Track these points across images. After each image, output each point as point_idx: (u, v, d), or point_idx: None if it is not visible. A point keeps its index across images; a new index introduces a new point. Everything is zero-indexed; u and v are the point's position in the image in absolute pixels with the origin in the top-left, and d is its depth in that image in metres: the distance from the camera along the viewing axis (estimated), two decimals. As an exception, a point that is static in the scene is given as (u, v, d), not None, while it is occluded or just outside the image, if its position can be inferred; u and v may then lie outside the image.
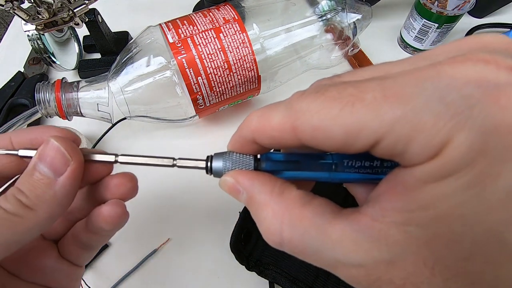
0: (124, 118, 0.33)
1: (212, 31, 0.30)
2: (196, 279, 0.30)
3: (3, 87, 0.40)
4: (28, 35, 0.36)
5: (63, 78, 0.32)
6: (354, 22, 0.35)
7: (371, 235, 0.12)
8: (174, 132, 0.38)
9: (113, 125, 0.34)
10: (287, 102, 0.13)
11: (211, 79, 0.30)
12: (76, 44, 0.44)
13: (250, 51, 0.31)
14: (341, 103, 0.11)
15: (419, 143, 0.10)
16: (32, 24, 0.33)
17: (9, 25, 0.51)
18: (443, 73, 0.10)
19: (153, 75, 0.30)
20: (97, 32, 0.40)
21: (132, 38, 0.46)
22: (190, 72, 0.29)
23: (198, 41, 0.29)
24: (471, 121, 0.09)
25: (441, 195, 0.10)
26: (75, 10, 0.34)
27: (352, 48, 0.37)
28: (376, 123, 0.10)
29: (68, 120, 0.32)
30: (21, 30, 0.36)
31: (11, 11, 0.31)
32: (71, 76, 0.43)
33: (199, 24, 0.30)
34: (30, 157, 0.17)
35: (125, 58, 0.31)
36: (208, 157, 0.17)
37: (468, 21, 0.46)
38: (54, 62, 0.38)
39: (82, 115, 0.32)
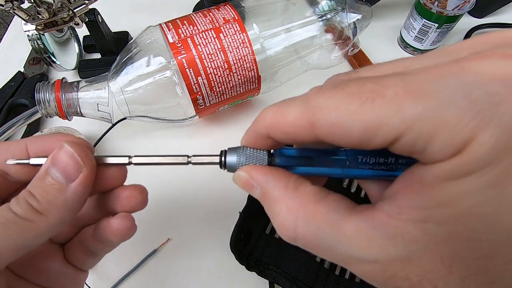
0: (124, 118, 0.33)
1: (212, 31, 0.30)
2: (196, 279, 0.30)
3: (3, 87, 0.40)
4: (28, 35, 0.36)
5: (63, 78, 0.32)
6: (354, 22, 0.35)
7: (386, 231, 0.12)
8: (174, 132, 0.38)
9: (113, 125, 0.34)
10: (304, 97, 0.13)
11: (211, 79, 0.30)
12: (76, 44, 0.43)
13: (250, 51, 0.31)
14: (361, 98, 0.11)
15: (441, 140, 0.10)
16: (32, 24, 0.33)
17: (9, 25, 0.51)
18: (467, 69, 0.10)
19: (153, 75, 0.30)
20: (97, 32, 0.40)
21: (132, 38, 0.46)
22: (190, 72, 0.29)
23: (198, 41, 0.29)
24: (496, 119, 0.09)
25: (461, 193, 0.10)
26: (75, 10, 0.34)
27: (352, 48, 0.37)
28: (397, 120, 0.10)
29: (68, 120, 0.32)
30: (21, 30, 0.36)
31: (11, 11, 0.31)
32: (71, 76, 0.43)
33: (199, 24, 0.30)
34: (41, 165, 0.17)
35: (125, 58, 0.31)
36: (222, 151, 0.17)
37: (468, 21, 0.46)
38: (54, 62, 0.38)
39: (82, 115, 0.32)
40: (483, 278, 0.11)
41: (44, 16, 0.32)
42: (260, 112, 0.15)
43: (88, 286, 0.28)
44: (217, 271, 0.30)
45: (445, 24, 0.39)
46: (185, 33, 0.30)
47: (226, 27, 0.30)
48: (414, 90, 0.10)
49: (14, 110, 0.39)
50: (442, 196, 0.10)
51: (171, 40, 0.29)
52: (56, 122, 0.38)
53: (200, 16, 0.31)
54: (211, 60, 0.30)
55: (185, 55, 0.29)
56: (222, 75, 0.31)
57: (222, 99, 0.33)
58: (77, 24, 0.35)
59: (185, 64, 0.29)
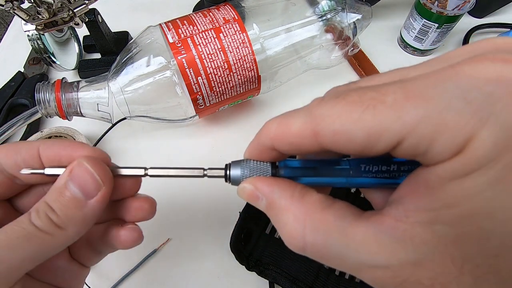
0: (124, 118, 0.33)
1: (212, 31, 0.30)
2: (196, 279, 0.30)
3: (3, 87, 0.40)
4: (28, 35, 0.36)
5: (63, 78, 0.32)
6: (354, 22, 0.35)
7: (395, 235, 0.12)
8: (174, 132, 0.38)
9: (113, 125, 0.34)
10: (306, 108, 0.13)
11: (211, 79, 0.30)
12: (76, 44, 0.44)
13: (250, 51, 0.31)
14: (362, 106, 0.11)
15: (442, 141, 0.10)
16: (32, 24, 0.33)
17: (9, 25, 0.51)
18: (462, 73, 0.10)
19: (153, 75, 0.30)
20: (97, 32, 0.40)
21: (132, 38, 0.46)
22: (190, 72, 0.29)
23: (198, 41, 0.30)
24: (493, 117, 0.10)
25: (466, 192, 0.10)
26: (75, 10, 0.34)
27: (352, 48, 0.37)
28: (399, 124, 0.11)
29: (68, 120, 0.32)
30: (21, 30, 0.36)
31: (11, 11, 0.31)
32: (71, 76, 0.43)
33: (199, 24, 0.30)
34: (57, 175, 0.17)
35: (125, 58, 0.31)
36: (226, 165, 0.17)
37: (468, 21, 0.46)
38: (54, 62, 0.38)
39: (82, 115, 0.32)
40: (496, 277, 0.11)
41: (44, 16, 0.32)
42: (264, 124, 0.15)
43: (88, 286, 0.28)
44: (217, 271, 0.30)
45: (445, 24, 0.39)
46: (185, 33, 0.30)
47: (226, 27, 0.30)
48: (413, 95, 0.11)
49: (14, 110, 0.39)
50: (447, 196, 0.11)
51: (171, 40, 0.29)
52: (56, 122, 0.38)
53: (200, 16, 0.31)
54: (211, 60, 0.30)
55: (185, 55, 0.29)
56: (222, 75, 0.31)
57: (222, 99, 0.33)
58: (77, 24, 0.35)
59: (185, 64, 0.29)
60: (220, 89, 0.31)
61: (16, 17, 0.39)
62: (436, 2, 0.40)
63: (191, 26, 0.30)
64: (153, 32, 0.31)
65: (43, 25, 0.33)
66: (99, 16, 0.39)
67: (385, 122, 0.11)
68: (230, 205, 0.32)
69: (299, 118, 0.13)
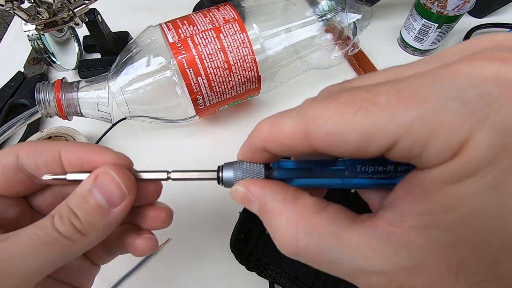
0: (124, 118, 0.33)
1: (212, 31, 0.30)
2: (196, 279, 0.30)
3: (3, 87, 0.40)
4: (28, 35, 0.36)
5: (63, 78, 0.32)
6: (354, 22, 0.35)
7: (390, 240, 0.11)
8: (174, 132, 0.38)
9: (113, 125, 0.34)
10: (298, 109, 0.13)
11: (211, 79, 0.30)
12: (76, 44, 0.43)
13: (250, 51, 0.31)
14: (355, 107, 0.11)
15: (437, 144, 0.10)
16: (32, 24, 0.33)
17: (9, 25, 0.51)
18: (457, 72, 0.10)
19: (153, 75, 0.30)
20: (97, 32, 0.40)
21: (132, 38, 0.46)
22: (190, 72, 0.29)
23: (198, 41, 0.29)
24: (490, 119, 0.09)
25: (463, 196, 0.10)
26: (75, 10, 0.34)
27: (352, 48, 0.37)
28: (392, 126, 0.10)
29: (68, 120, 0.32)
30: (21, 30, 0.36)
31: (11, 11, 0.31)
32: (71, 76, 0.43)
33: (199, 24, 0.30)
34: (79, 181, 0.17)
35: (125, 58, 0.31)
36: (218, 167, 0.17)
37: (468, 21, 0.46)
38: (54, 62, 0.38)
39: (82, 115, 0.32)
40: (493, 284, 0.10)
41: (44, 16, 0.32)
42: (256, 125, 0.15)
43: (88, 286, 0.28)
44: (217, 271, 0.30)
45: (445, 24, 0.39)
46: (185, 33, 0.30)
47: (226, 27, 0.30)
48: (406, 95, 0.10)
49: (14, 110, 0.39)
50: (443, 200, 0.10)
51: (171, 40, 0.29)
52: (56, 122, 0.38)
53: (200, 16, 0.31)
54: (211, 60, 0.30)
55: (185, 55, 0.29)
56: (222, 75, 0.31)
57: (222, 99, 0.33)
58: (77, 24, 0.35)
59: (185, 64, 0.29)
60: (220, 89, 0.31)
61: (16, 17, 0.39)
62: (436, 2, 0.40)
63: (191, 26, 0.30)
64: (153, 32, 0.31)
65: (43, 25, 0.33)
66: (99, 16, 0.39)
67: (378, 123, 0.10)
68: (230, 205, 0.32)
69: (290, 119, 0.13)
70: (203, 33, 0.30)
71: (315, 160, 0.16)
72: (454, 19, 0.38)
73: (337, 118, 0.11)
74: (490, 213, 0.10)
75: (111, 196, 0.16)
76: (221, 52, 0.30)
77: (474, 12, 0.47)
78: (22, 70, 0.42)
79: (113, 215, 0.16)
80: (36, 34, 0.36)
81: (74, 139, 0.34)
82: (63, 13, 0.33)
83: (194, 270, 0.30)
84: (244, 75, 0.32)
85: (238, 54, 0.31)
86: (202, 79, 0.30)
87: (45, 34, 0.37)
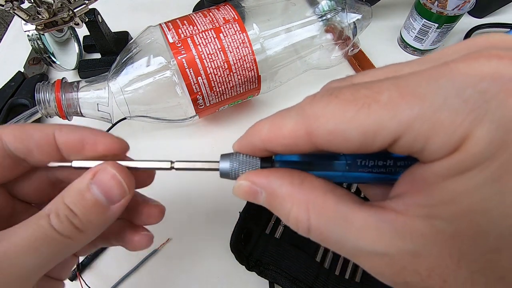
0: (124, 118, 0.33)
1: (212, 31, 0.30)
2: (196, 279, 0.30)
3: (3, 87, 0.40)
4: (28, 35, 0.36)
5: (63, 78, 0.32)
6: (354, 22, 0.35)
7: (395, 226, 0.12)
8: (174, 132, 0.38)
9: (113, 125, 0.34)
10: (299, 107, 0.13)
11: (211, 79, 0.30)
12: (76, 44, 0.43)
13: (250, 51, 0.31)
14: (357, 105, 0.11)
15: (438, 139, 0.10)
16: (32, 24, 0.33)
17: (9, 25, 0.51)
18: (456, 71, 0.10)
19: (153, 75, 0.30)
20: (97, 32, 0.40)
21: (132, 38, 0.46)
22: (190, 72, 0.29)
23: (198, 41, 0.29)
24: (489, 115, 0.10)
25: (462, 190, 0.10)
26: (75, 10, 0.34)
27: (352, 48, 0.37)
28: (394, 123, 0.10)
29: (68, 120, 0.32)
30: (21, 30, 0.36)
31: (11, 11, 0.31)
32: (71, 76, 0.43)
33: (199, 24, 0.30)
34: (85, 168, 0.16)
35: (125, 58, 0.31)
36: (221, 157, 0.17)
37: (468, 21, 0.46)
38: (54, 62, 0.38)
39: (82, 115, 0.32)
40: (491, 273, 0.11)
41: (44, 16, 0.32)
42: (253, 124, 0.14)
43: (88, 286, 0.28)
44: (217, 271, 0.30)
45: (445, 24, 0.39)
46: (185, 33, 0.30)
47: (226, 27, 0.30)
48: (407, 93, 0.11)
49: (14, 110, 0.39)
50: (444, 194, 0.11)
51: (171, 40, 0.29)
52: (56, 122, 0.38)
53: (200, 16, 0.31)
54: (211, 60, 0.30)
55: (185, 55, 0.29)
56: (222, 75, 0.31)
57: (222, 99, 0.33)
58: (77, 24, 0.35)
59: (185, 64, 0.29)
60: (220, 89, 0.31)
61: (16, 17, 0.38)
62: (436, 2, 0.40)
63: (191, 26, 0.30)
64: (153, 32, 0.31)
65: (43, 25, 0.33)
66: (99, 16, 0.39)
67: (380, 120, 0.11)
68: (230, 205, 0.32)
69: (291, 119, 0.13)
70: (203, 33, 0.30)
71: (316, 154, 0.16)
72: (454, 19, 0.38)
73: (339, 116, 0.11)
74: (487, 207, 0.10)
75: (111, 193, 0.16)
76: (221, 52, 0.30)
77: (474, 12, 0.47)
78: (22, 70, 0.42)
79: (112, 212, 0.16)
80: (36, 34, 0.36)
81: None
82: (63, 13, 0.33)
83: (194, 270, 0.30)
84: (244, 75, 0.32)
85: (238, 54, 0.31)
86: (202, 79, 0.30)
87: (45, 34, 0.37)
